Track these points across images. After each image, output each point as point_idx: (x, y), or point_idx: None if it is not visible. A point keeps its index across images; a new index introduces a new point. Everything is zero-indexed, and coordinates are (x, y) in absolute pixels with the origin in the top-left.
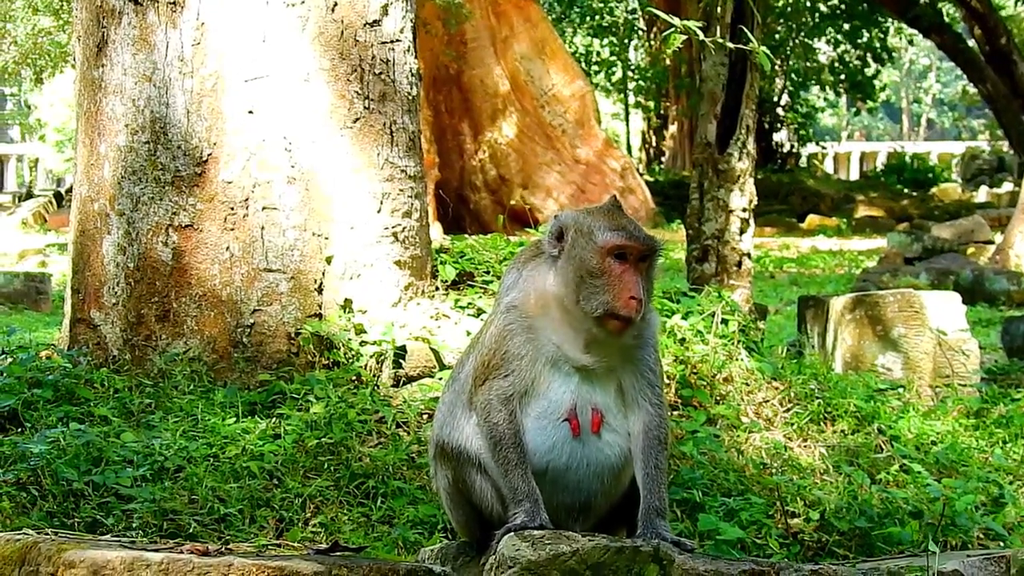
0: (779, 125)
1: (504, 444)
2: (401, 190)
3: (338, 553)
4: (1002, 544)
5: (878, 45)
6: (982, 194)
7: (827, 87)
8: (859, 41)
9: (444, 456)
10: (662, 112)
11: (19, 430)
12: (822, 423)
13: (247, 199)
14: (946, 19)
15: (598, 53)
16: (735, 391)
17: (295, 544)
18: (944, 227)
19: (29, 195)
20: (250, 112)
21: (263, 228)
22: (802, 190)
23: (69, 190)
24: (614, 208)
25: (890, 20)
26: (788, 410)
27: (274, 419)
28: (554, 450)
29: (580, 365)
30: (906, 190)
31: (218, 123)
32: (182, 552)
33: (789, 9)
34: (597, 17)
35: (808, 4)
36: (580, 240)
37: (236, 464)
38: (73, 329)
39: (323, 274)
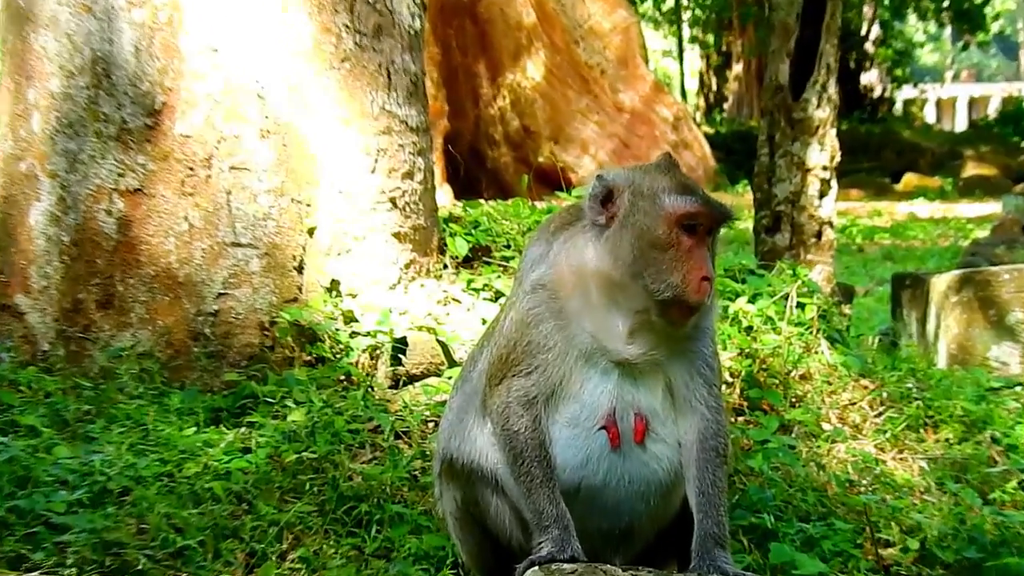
0: (868, 64)
1: (526, 457)
2: (401, 145)
3: None
4: None
5: None
6: None
7: (927, 16)
8: None
9: (452, 473)
10: (724, 49)
11: None
12: (922, 430)
13: (210, 157)
14: None
15: None
16: (814, 391)
17: None
18: None
19: None
20: (214, 50)
21: (230, 193)
22: (897, 144)
23: None
24: (673, 167)
25: None
26: (880, 415)
27: (243, 429)
28: (588, 464)
29: (621, 359)
30: None
31: (174, 64)
32: None
33: None
34: None
35: None
36: (642, 204)
37: (196, 485)
38: None
39: (304, 249)
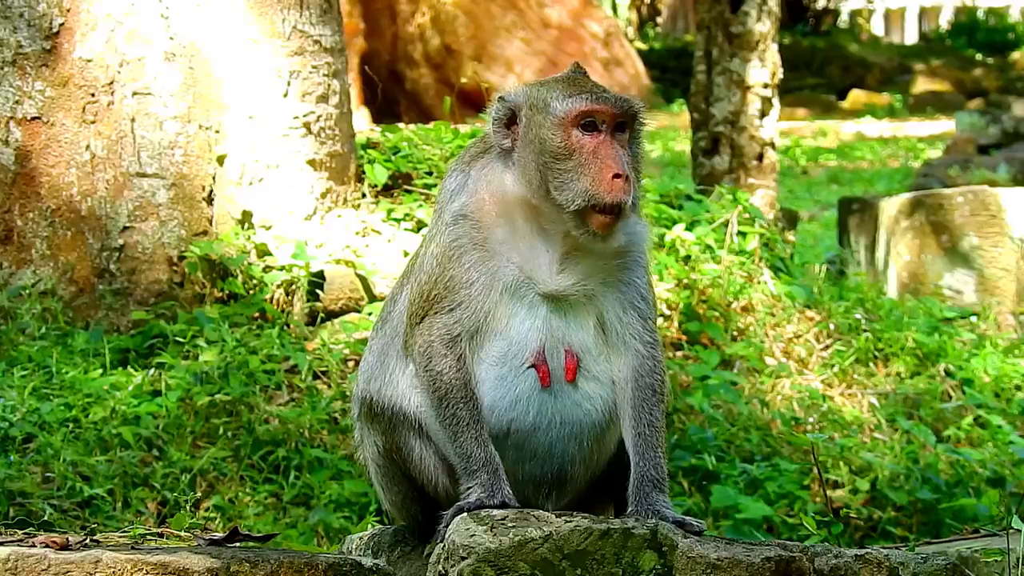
0: None
1: (451, 399)
2: (314, 67)
3: (238, 544)
4: None
5: None
6: None
7: None
8: None
9: (373, 417)
10: None
11: None
12: (871, 364)
13: (112, 82)
14: None
15: None
16: (757, 324)
17: (182, 533)
18: None
19: None
20: None
21: (134, 120)
22: (843, 58)
23: None
24: (575, 74)
25: None
26: (826, 348)
27: (152, 371)
28: (517, 405)
29: (550, 291)
30: (979, 56)
31: None
32: (34, 545)
33: None
34: None
35: None
36: (537, 118)
37: (103, 431)
38: None
39: (213, 179)
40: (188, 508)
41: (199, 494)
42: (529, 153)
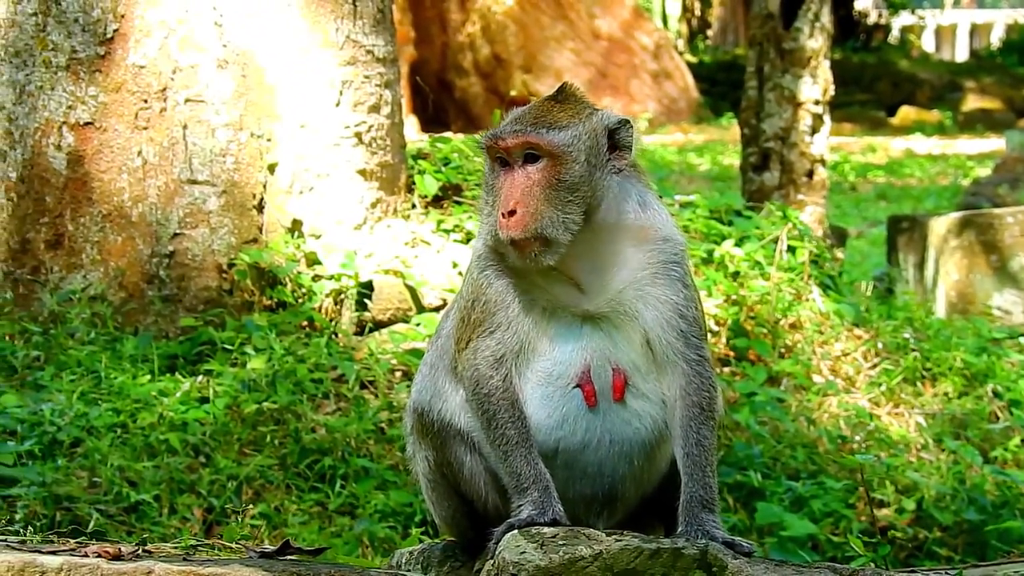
0: None
1: (500, 419)
2: (367, 77)
3: (290, 556)
4: None
5: None
6: None
7: None
8: None
9: (424, 431)
10: None
11: None
12: (919, 383)
13: (165, 89)
14: None
15: None
16: (805, 341)
17: (233, 545)
18: None
19: None
20: None
21: (186, 127)
22: (893, 75)
23: None
24: (543, 98)
25: None
26: (874, 366)
27: (201, 377)
28: (565, 425)
29: (583, 311)
30: None
31: None
32: (87, 555)
33: None
34: None
35: None
36: None
37: (151, 437)
38: None
39: (264, 187)
40: (235, 517)
41: (245, 502)
42: None
